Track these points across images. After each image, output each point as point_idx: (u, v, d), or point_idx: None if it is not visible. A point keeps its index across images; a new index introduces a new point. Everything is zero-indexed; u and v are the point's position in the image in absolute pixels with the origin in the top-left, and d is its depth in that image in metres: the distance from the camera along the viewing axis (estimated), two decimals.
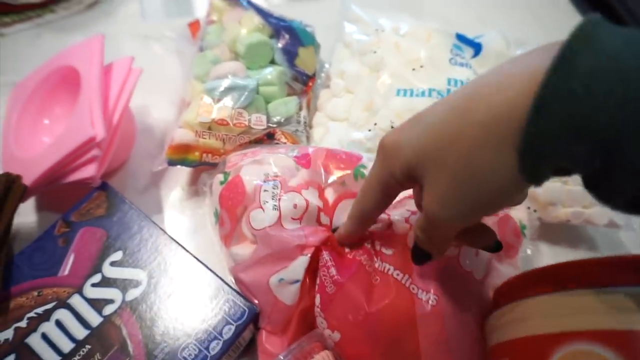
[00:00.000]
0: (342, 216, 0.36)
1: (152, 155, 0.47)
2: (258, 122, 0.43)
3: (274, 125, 0.43)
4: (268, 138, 0.44)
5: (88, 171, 0.38)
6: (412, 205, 0.36)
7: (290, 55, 0.46)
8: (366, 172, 0.38)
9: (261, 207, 0.35)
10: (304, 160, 0.38)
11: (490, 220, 0.37)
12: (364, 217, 0.31)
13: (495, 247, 0.30)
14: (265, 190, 0.35)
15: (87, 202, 0.39)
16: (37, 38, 0.56)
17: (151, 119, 0.51)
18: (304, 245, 0.33)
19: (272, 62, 0.47)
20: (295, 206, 0.35)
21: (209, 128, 0.42)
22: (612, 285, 0.25)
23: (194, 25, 0.54)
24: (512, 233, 0.38)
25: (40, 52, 0.54)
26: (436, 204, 0.24)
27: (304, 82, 0.47)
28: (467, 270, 0.34)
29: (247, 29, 0.46)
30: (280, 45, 0.46)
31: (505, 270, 0.37)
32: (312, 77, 0.48)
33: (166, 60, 0.55)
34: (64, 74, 0.44)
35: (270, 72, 0.44)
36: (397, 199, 0.36)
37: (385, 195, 0.29)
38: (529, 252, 0.41)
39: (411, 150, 0.24)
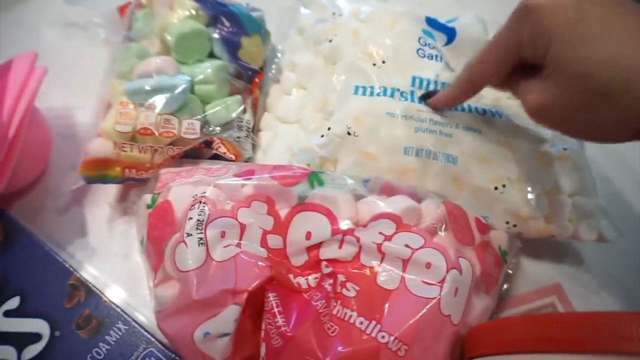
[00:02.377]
0: (300, 231, 0.30)
1: (75, 168, 0.40)
2: (190, 129, 0.36)
3: (212, 133, 0.37)
4: (206, 147, 0.37)
5: None
6: (387, 228, 0.30)
7: (232, 46, 0.39)
8: (324, 177, 0.32)
9: (184, 242, 0.28)
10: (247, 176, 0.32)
11: (468, 251, 0.31)
12: (470, 82, 0.32)
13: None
14: (190, 219, 0.29)
15: None
16: None
17: (74, 123, 0.43)
18: (235, 290, 0.27)
19: (211, 55, 0.39)
20: (223, 234, 0.29)
21: (132, 138, 0.36)
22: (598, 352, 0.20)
23: (124, 10, 0.46)
24: (493, 262, 0.33)
25: None
26: (551, 98, 0.26)
27: (248, 79, 0.40)
28: (445, 315, 0.28)
29: (178, 15, 0.39)
30: (219, 34, 0.39)
31: (480, 305, 0.31)
32: (259, 73, 0.41)
33: (93, 53, 0.47)
34: None
35: (206, 68, 0.37)
36: (369, 215, 0.30)
37: (503, 61, 0.29)
38: (505, 286, 0.36)
39: (560, 22, 0.25)
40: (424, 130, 0.35)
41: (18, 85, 0.34)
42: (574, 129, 0.28)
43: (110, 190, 0.40)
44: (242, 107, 0.39)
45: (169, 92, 0.35)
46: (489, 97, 0.40)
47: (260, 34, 0.42)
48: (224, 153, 0.37)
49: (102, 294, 0.31)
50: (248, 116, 0.39)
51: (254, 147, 0.40)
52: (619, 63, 0.23)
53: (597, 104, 0.25)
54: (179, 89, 0.35)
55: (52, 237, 0.36)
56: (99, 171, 0.36)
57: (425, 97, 0.36)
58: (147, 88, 0.35)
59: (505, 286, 0.36)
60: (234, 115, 0.38)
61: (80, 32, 0.49)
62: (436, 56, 0.39)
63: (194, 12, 0.39)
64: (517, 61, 0.28)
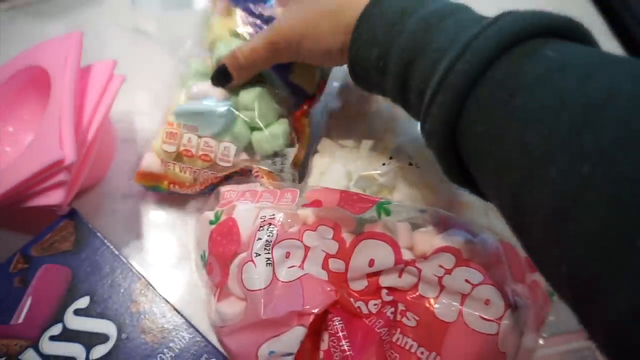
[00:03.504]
0: (363, 257, 0.31)
1: (134, 170, 0.42)
2: (224, 156, 0.36)
3: (252, 159, 0.37)
4: (247, 173, 0.38)
5: (54, 197, 0.33)
6: (447, 262, 0.31)
7: (282, 67, 0.37)
8: (391, 208, 0.32)
9: (252, 261, 0.29)
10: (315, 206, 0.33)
11: (522, 290, 0.32)
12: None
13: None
14: (258, 239, 0.30)
15: (51, 233, 0.33)
16: (10, 22, 0.50)
17: (136, 128, 0.45)
18: (302, 312, 0.28)
19: (260, 76, 0.38)
20: (287, 255, 0.30)
21: (177, 158, 0.38)
22: None
23: None
24: (542, 300, 0.33)
25: (12, 38, 0.48)
26: (286, 23, 0.33)
27: (297, 104, 0.39)
28: (501, 352, 0.29)
29: (228, 29, 0.39)
30: None
31: (529, 343, 0.32)
32: (310, 98, 0.39)
33: (158, 59, 0.49)
34: (33, 75, 0.38)
35: (250, 92, 0.36)
36: (430, 248, 0.31)
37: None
38: (551, 318, 0.36)
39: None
40: None
41: (97, 92, 0.36)
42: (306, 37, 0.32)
43: (166, 196, 0.41)
44: (285, 137, 0.37)
45: (210, 116, 0.36)
46: None
47: None
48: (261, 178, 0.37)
49: (167, 301, 0.32)
50: (292, 148, 0.38)
51: (296, 179, 0.39)
52: None
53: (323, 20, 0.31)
54: (219, 113, 0.36)
55: (110, 239, 0.38)
56: (150, 182, 0.38)
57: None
58: (192, 111, 0.37)
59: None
60: (275, 145, 0.37)
61: (146, 38, 0.50)
62: None
63: (243, 28, 0.39)
64: None
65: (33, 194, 0.33)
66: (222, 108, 0.36)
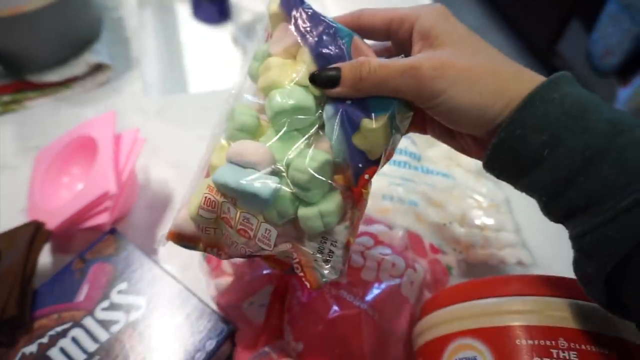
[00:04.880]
0: None
1: (150, 207, 0.58)
2: (265, 239, 0.30)
3: (290, 249, 0.31)
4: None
5: (102, 218, 0.48)
6: (368, 242, 0.46)
7: (347, 127, 0.29)
8: None
9: None
10: None
11: (422, 262, 0.47)
12: (358, 16, 0.33)
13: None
14: None
15: (99, 243, 0.48)
16: (56, 110, 0.68)
17: (150, 177, 0.61)
18: (270, 275, 0.43)
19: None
20: None
21: (216, 222, 0.33)
22: (485, 297, 0.35)
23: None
24: (440, 271, 0.48)
25: (58, 122, 0.65)
26: (429, 62, 0.28)
27: (357, 174, 0.30)
28: (404, 296, 0.43)
29: (287, 78, 0.31)
30: (334, 109, 0.30)
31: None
32: (373, 165, 0.30)
33: (163, 129, 0.66)
34: (82, 142, 0.55)
35: (301, 165, 0.29)
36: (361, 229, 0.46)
37: (392, 20, 0.32)
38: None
39: (450, 33, 0.29)
40: (395, 184, 0.53)
41: (127, 149, 0.53)
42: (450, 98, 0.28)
43: None
44: (339, 213, 0.30)
45: (252, 197, 0.29)
46: (442, 164, 0.58)
47: (389, 115, 0.30)
48: (302, 277, 0.32)
49: (179, 282, 0.46)
50: (345, 229, 0.31)
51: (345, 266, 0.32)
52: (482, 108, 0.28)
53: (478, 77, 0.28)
54: (262, 198, 0.29)
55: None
56: (183, 242, 0.35)
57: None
58: (231, 187, 0.29)
59: None
60: (328, 223, 0.30)
61: (154, 115, 0.68)
62: (406, 136, 0.57)
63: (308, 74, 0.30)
64: None
65: (86, 218, 0.49)
66: (266, 190, 0.29)
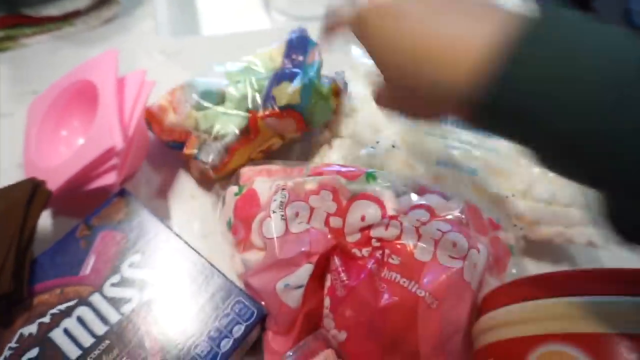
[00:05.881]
0: (356, 214, 0.39)
1: (163, 163, 0.50)
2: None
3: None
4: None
5: (109, 179, 0.41)
6: (423, 216, 0.39)
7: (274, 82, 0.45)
8: (378, 175, 0.41)
9: (270, 217, 0.38)
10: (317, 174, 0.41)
11: (483, 240, 0.40)
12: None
13: None
14: (274, 201, 0.39)
15: (107, 207, 0.41)
16: (56, 50, 0.59)
17: None
18: (309, 252, 0.36)
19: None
20: (297, 214, 0.38)
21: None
22: (582, 294, 0.28)
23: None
24: (502, 251, 0.41)
25: (59, 64, 0.57)
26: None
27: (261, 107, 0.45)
28: (466, 282, 0.37)
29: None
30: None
31: (492, 283, 0.40)
32: (280, 111, 0.44)
33: (176, 74, 0.58)
34: (80, 88, 0.47)
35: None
36: (409, 205, 0.39)
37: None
38: (514, 270, 0.44)
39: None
40: (453, 147, 0.45)
41: (133, 95, 0.45)
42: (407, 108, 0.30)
43: (192, 185, 0.50)
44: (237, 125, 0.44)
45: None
46: None
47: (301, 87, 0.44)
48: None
49: (201, 255, 0.40)
50: (232, 137, 0.44)
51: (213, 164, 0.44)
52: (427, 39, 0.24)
53: (417, 72, 0.25)
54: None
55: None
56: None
57: None
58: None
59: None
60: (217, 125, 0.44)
61: (166, 57, 0.60)
62: None
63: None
64: None
65: (91, 178, 0.42)
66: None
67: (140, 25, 0.63)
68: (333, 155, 0.48)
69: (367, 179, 0.40)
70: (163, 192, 0.50)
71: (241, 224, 0.40)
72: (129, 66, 0.52)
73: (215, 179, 0.47)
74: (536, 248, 0.47)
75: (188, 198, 0.49)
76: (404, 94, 0.29)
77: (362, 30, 0.29)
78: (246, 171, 0.44)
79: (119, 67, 0.46)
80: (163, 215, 0.47)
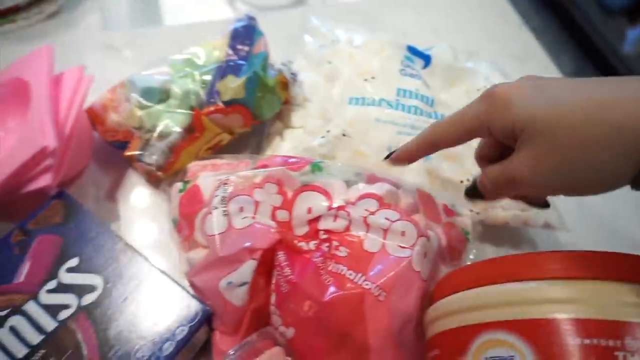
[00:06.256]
0: (302, 206, 0.37)
1: (111, 162, 0.49)
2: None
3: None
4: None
5: (44, 180, 0.39)
6: (371, 205, 0.38)
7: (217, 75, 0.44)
8: (323, 166, 0.39)
9: (211, 213, 0.36)
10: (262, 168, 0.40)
11: (436, 227, 0.39)
12: (432, 144, 0.33)
13: (544, 205, 0.34)
14: (216, 196, 0.37)
15: (44, 210, 0.40)
16: None
17: None
18: (252, 248, 0.35)
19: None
20: (241, 209, 0.37)
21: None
22: (520, 280, 0.27)
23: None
24: (456, 238, 0.41)
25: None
26: (529, 170, 0.26)
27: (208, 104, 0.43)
28: (416, 271, 0.36)
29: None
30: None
31: (446, 270, 0.39)
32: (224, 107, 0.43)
33: (127, 70, 0.56)
34: (13, 87, 0.45)
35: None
36: (357, 195, 0.38)
37: (467, 135, 0.31)
38: (471, 256, 0.44)
39: (525, 111, 0.26)
40: (404, 133, 0.44)
41: (70, 92, 0.43)
42: (567, 186, 0.27)
43: (141, 183, 0.48)
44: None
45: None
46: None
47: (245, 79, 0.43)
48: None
49: (146, 259, 0.38)
50: (176, 135, 0.43)
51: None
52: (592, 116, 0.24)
53: (584, 152, 0.24)
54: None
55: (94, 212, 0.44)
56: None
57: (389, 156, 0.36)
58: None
59: None
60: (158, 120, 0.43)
61: (116, 52, 0.58)
62: (416, 75, 0.48)
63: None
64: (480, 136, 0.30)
65: (25, 181, 0.40)
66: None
67: (86, 20, 0.60)
68: (285, 147, 0.47)
69: (313, 170, 0.38)
70: (112, 192, 0.48)
71: (185, 222, 0.39)
72: (74, 63, 0.50)
73: (164, 178, 0.45)
74: (495, 232, 0.47)
75: (138, 197, 0.48)
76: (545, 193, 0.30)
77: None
78: (192, 166, 0.42)
79: (63, 64, 0.44)
80: (112, 216, 0.46)
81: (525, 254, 0.29)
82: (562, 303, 0.26)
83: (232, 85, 0.42)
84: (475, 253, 0.44)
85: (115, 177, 0.48)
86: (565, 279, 0.26)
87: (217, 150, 0.46)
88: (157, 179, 0.45)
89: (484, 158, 0.33)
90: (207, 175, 0.40)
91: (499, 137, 0.28)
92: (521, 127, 0.26)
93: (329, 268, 0.35)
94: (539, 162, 0.26)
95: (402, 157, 0.35)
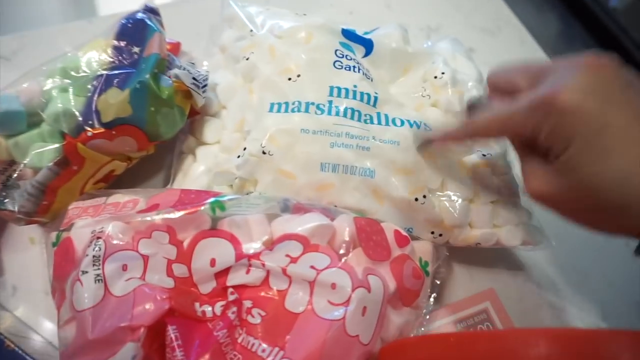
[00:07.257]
0: (204, 258, 0.29)
1: None
2: None
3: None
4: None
5: None
6: (293, 249, 0.29)
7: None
8: (226, 203, 0.31)
9: (79, 280, 0.27)
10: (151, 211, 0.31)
11: (380, 266, 0.31)
12: (472, 135, 0.32)
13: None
14: (86, 256, 0.28)
15: None
16: None
17: None
18: (131, 327, 0.26)
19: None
20: (124, 268, 0.28)
21: None
22: None
23: None
24: (411, 275, 0.32)
25: None
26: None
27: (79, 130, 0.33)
28: (352, 336, 0.27)
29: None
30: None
31: (398, 320, 0.31)
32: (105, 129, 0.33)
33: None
34: None
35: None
36: (276, 235, 0.30)
37: (506, 137, 0.31)
38: (437, 281, 0.36)
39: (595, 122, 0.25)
40: (340, 145, 0.35)
41: None
42: (572, 219, 0.28)
43: (33, 229, 0.39)
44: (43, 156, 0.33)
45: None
46: (412, 105, 0.39)
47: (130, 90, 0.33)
48: None
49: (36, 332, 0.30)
50: (45, 172, 0.33)
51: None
52: (629, 180, 0.24)
53: (601, 212, 0.26)
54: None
55: None
56: None
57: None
58: None
59: (433, 296, 0.35)
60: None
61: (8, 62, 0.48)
62: (354, 67, 0.38)
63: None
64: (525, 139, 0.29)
65: None
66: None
67: None
68: (198, 169, 0.37)
69: (213, 209, 0.30)
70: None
71: (58, 286, 0.30)
72: None
73: (46, 221, 0.36)
74: (466, 255, 0.39)
75: (27, 244, 0.39)
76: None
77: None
78: (71, 210, 0.33)
79: None
80: None
81: (495, 332, 0.21)
82: None
83: (114, 102, 0.32)
84: (442, 278, 0.36)
85: None
86: None
87: (113, 182, 0.37)
88: (38, 222, 0.36)
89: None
90: (83, 222, 0.31)
91: (544, 144, 0.27)
92: (569, 142, 0.26)
93: (240, 340, 0.27)
94: (572, 199, 0.27)
95: (439, 137, 0.34)
